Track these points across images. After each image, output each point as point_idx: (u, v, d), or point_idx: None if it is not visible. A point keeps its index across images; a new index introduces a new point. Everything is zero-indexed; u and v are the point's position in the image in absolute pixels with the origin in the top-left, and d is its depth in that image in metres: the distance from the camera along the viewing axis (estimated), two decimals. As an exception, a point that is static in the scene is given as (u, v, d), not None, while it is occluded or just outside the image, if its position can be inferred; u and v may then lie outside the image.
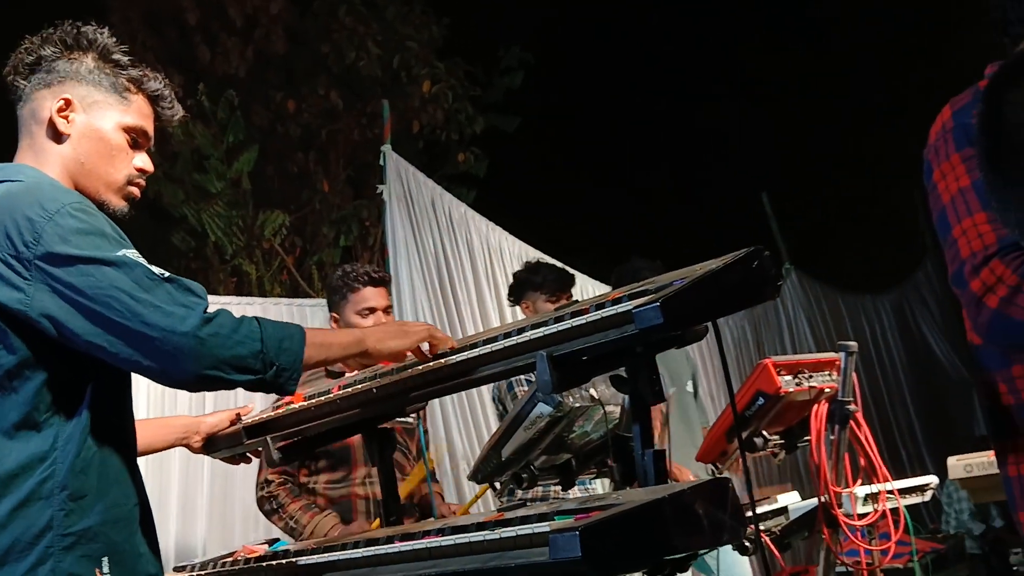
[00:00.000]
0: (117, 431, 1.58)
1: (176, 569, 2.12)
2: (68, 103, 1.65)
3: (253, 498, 3.60)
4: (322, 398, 1.97)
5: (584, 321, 1.53)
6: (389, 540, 1.52)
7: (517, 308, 4.10)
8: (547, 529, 1.26)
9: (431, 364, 1.75)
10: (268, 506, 2.98)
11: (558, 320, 1.59)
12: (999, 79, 1.14)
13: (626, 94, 11.43)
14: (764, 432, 2.80)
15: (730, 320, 7.37)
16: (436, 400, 4.81)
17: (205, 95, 7.11)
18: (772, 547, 2.89)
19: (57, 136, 1.65)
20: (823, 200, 11.15)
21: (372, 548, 1.52)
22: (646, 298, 1.47)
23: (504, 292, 4.32)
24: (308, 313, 5.21)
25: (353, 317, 3.03)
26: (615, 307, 1.50)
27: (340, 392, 1.94)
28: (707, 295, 1.48)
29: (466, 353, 1.70)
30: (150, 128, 1.74)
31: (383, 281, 3.09)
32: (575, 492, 3.27)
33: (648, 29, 11.39)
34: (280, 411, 2.02)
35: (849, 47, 10.52)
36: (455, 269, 5.46)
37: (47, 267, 1.43)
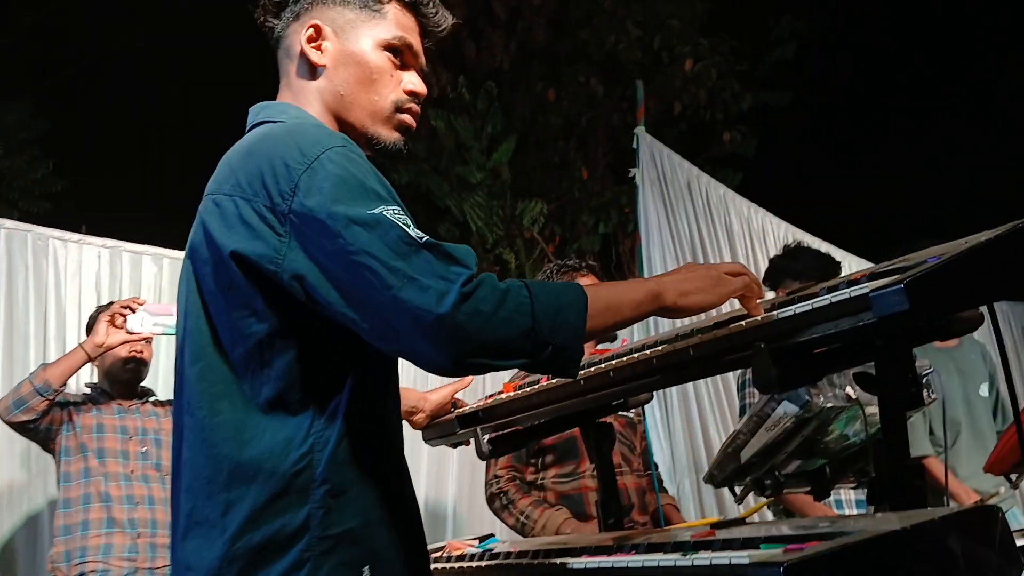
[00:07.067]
0: (382, 416, 1.34)
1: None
2: (318, 30, 1.42)
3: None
4: (531, 388, 1.84)
5: (811, 307, 1.27)
6: (579, 552, 1.36)
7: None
8: (746, 560, 1.04)
9: (635, 356, 1.56)
10: (498, 503, 2.93)
11: (782, 306, 1.34)
12: None
13: (907, 65, 10.38)
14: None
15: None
16: (690, 387, 4.56)
17: (465, 88, 7.30)
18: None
19: (311, 70, 1.42)
20: None
21: (561, 559, 1.37)
22: (889, 279, 1.20)
23: None
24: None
25: None
26: (849, 290, 1.24)
27: (549, 383, 1.81)
28: (968, 276, 1.18)
29: (674, 344, 1.50)
30: (415, 41, 1.47)
31: (592, 269, 3.05)
32: None
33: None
34: (489, 402, 1.92)
35: None
36: (712, 254, 5.15)
37: (299, 223, 1.21)
